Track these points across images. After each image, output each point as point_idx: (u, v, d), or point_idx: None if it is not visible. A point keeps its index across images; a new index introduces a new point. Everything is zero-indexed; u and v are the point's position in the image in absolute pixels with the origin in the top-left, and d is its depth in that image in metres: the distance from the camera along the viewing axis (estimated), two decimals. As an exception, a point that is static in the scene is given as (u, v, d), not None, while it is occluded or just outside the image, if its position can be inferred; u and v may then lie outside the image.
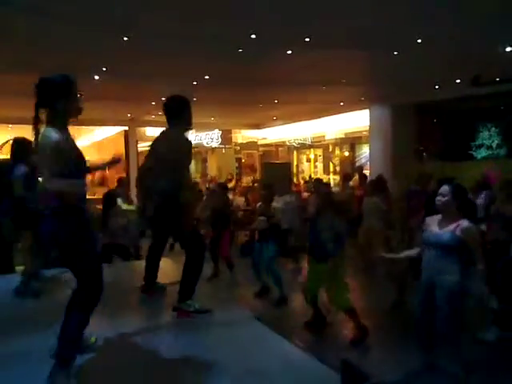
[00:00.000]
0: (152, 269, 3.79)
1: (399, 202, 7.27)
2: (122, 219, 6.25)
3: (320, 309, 4.86)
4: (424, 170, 9.94)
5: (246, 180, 17.71)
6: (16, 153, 4.05)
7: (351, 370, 1.87)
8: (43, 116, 2.39)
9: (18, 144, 4.07)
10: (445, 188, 3.41)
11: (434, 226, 3.43)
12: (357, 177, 11.94)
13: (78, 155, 2.45)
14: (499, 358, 3.91)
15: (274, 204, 6.50)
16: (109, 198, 6.49)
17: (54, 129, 2.34)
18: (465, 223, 3.29)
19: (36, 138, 2.36)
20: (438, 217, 3.45)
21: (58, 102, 2.37)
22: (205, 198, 8.73)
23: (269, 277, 5.95)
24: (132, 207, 7.08)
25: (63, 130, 2.40)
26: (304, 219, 5.89)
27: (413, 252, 3.67)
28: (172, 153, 3.22)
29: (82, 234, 2.37)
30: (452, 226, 3.31)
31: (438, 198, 3.40)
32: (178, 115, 3.39)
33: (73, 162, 2.35)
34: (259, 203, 6.48)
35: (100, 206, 8.12)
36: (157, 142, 3.51)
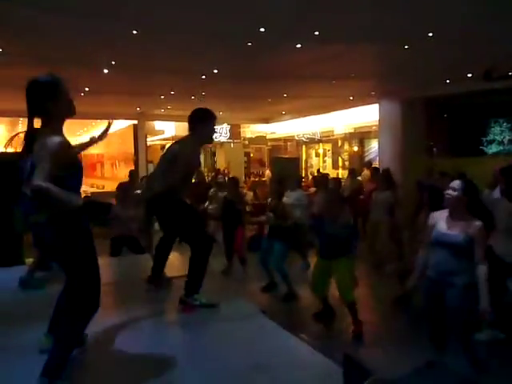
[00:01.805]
0: (160, 260, 3.82)
1: (409, 196, 7.25)
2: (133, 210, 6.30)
3: (328, 300, 4.87)
4: (434, 165, 9.86)
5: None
6: (29, 145, 4.04)
7: (354, 365, 1.87)
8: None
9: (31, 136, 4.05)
10: (456, 183, 3.30)
11: (441, 223, 3.31)
12: (365, 171, 11.90)
13: (72, 158, 2.38)
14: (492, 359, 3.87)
15: (285, 199, 6.47)
16: (122, 190, 6.52)
17: (51, 131, 2.28)
18: (478, 223, 3.19)
19: (28, 144, 2.30)
20: (445, 212, 3.34)
21: (49, 105, 2.30)
22: (212, 190, 8.74)
23: (277, 273, 5.95)
24: None
25: (59, 131, 2.34)
26: (311, 215, 5.86)
27: (423, 257, 3.47)
28: (170, 156, 3.42)
29: (78, 242, 2.27)
30: (463, 226, 3.20)
31: (448, 191, 3.28)
32: (194, 126, 3.49)
33: (70, 167, 2.28)
34: (269, 199, 6.44)
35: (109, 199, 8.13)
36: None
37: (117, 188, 6.60)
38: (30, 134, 2.31)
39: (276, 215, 5.91)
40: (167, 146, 3.81)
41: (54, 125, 2.32)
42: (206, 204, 8.40)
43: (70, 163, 2.29)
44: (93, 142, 3.10)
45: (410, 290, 3.64)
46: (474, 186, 3.40)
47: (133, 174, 8.30)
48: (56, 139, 2.23)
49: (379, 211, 6.83)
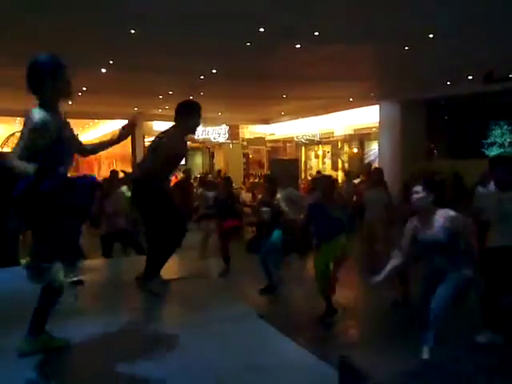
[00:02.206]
0: (153, 258, 3.75)
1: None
2: (122, 204, 6.29)
3: (331, 301, 4.84)
4: (433, 167, 9.83)
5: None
6: None
7: (349, 369, 1.83)
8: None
9: None
10: (417, 186, 3.45)
11: (421, 225, 3.42)
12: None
13: (66, 138, 2.39)
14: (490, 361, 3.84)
15: (277, 196, 6.44)
16: (107, 184, 6.52)
17: (41, 109, 2.31)
18: (450, 213, 3.31)
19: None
20: (415, 218, 3.46)
21: (45, 82, 2.33)
22: (201, 190, 8.73)
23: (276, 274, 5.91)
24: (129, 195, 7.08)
25: (53, 111, 2.37)
26: (308, 206, 5.82)
27: (395, 262, 3.56)
28: (154, 145, 3.53)
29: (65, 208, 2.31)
30: (440, 222, 3.31)
31: (413, 196, 3.42)
32: (179, 118, 3.59)
33: (54, 145, 2.29)
34: (260, 195, 6.49)
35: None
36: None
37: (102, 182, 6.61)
38: None
39: (272, 210, 5.94)
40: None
41: (49, 104, 2.36)
42: (196, 203, 8.42)
43: (52, 140, 2.30)
44: (113, 142, 2.86)
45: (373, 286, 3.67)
46: (435, 181, 3.58)
47: (113, 174, 8.35)
48: (36, 116, 2.26)
49: (372, 209, 6.79)
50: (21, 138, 2.26)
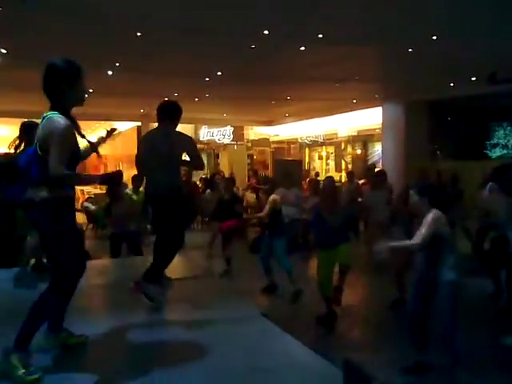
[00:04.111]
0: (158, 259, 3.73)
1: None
2: (126, 206, 6.36)
3: (332, 305, 4.87)
4: (436, 168, 9.83)
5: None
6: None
7: (354, 369, 1.86)
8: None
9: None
10: (410, 192, 3.54)
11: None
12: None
13: (75, 143, 2.42)
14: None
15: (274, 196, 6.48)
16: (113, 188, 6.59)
17: (59, 114, 2.29)
18: (429, 214, 3.32)
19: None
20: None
21: (61, 88, 2.32)
22: (207, 192, 8.83)
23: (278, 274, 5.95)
24: (139, 198, 7.16)
25: (66, 116, 2.34)
26: (312, 208, 5.84)
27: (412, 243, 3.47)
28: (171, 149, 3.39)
29: (66, 224, 2.35)
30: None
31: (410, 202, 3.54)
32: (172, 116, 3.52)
33: (71, 151, 2.32)
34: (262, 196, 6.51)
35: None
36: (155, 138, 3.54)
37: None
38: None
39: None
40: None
41: (62, 108, 2.33)
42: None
43: (73, 148, 2.34)
44: (93, 148, 2.81)
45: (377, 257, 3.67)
46: (427, 185, 3.69)
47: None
48: (62, 123, 2.25)
49: (378, 212, 6.81)
50: (46, 144, 2.22)
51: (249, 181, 14.39)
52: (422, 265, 3.51)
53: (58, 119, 2.26)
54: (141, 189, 7.55)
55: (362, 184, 10.17)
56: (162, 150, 3.32)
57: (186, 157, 3.57)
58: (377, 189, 7.05)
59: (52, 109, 2.33)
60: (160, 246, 3.43)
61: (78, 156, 2.44)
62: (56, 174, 2.19)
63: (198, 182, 12.41)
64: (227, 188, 7.46)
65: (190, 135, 3.62)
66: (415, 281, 3.58)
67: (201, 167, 3.66)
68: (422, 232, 3.29)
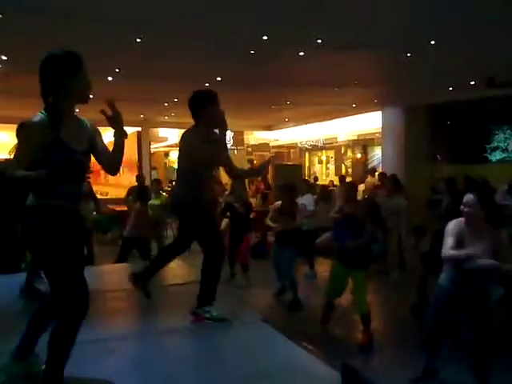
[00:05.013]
0: (158, 263, 3.60)
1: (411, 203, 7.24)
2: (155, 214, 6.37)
3: (330, 313, 4.82)
4: (436, 172, 9.85)
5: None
6: None
7: (352, 375, 1.86)
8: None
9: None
10: (469, 197, 3.16)
11: (465, 234, 3.19)
12: (369, 178, 11.87)
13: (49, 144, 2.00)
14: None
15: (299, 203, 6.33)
16: (141, 193, 6.57)
17: (43, 112, 2.02)
18: (502, 235, 3.15)
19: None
20: (464, 223, 3.22)
21: (65, 81, 2.03)
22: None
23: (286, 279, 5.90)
24: (159, 202, 7.17)
25: (66, 114, 2.07)
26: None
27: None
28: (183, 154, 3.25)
29: (59, 237, 2.02)
30: (487, 239, 3.11)
31: (464, 208, 3.17)
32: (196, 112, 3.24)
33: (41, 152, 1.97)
34: (279, 202, 5.97)
35: (112, 206, 8.17)
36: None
37: (127, 193, 6.65)
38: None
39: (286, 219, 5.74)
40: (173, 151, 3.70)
41: (53, 107, 2.02)
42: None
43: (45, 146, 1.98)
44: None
45: None
46: (488, 196, 3.33)
47: (141, 177, 8.34)
48: (33, 119, 1.99)
49: (393, 218, 6.76)
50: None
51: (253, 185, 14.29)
52: (452, 276, 3.27)
53: (34, 117, 2.00)
54: (163, 196, 7.59)
55: (375, 187, 10.09)
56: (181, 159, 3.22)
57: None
58: (392, 195, 7.03)
59: (47, 107, 2.04)
60: (205, 266, 3.23)
61: (55, 159, 1.96)
62: (7, 175, 1.90)
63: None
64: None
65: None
66: (440, 290, 3.40)
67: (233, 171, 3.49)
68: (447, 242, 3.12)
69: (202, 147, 3.11)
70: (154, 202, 6.96)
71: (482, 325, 3.20)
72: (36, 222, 2.03)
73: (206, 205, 3.35)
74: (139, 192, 6.52)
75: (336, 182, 14.16)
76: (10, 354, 2.22)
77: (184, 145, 3.26)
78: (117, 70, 8.57)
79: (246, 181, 15.04)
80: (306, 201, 7.11)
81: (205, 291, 3.23)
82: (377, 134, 14.06)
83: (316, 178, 15.83)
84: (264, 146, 20.72)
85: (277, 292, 6.05)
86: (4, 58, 7.59)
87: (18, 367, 2.21)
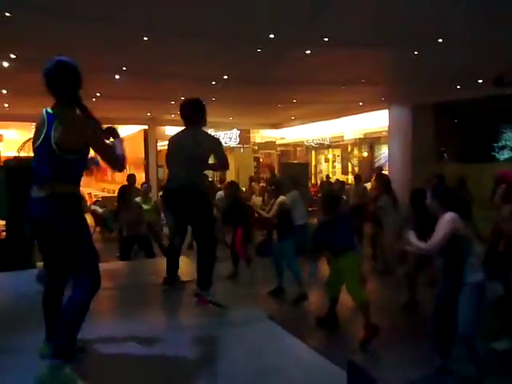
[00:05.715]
0: (173, 262, 3.85)
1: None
2: (136, 214, 6.41)
3: (335, 308, 4.86)
4: (443, 171, 9.79)
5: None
6: None
7: (358, 372, 1.87)
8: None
9: None
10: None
11: None
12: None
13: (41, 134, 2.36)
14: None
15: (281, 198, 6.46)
16: (123, 193, 6.64)
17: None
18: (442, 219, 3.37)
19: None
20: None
21: (79, 93, 2.36)
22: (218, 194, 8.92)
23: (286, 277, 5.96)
24: (149, 207, 7.24)
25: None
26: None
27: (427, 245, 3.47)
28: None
29: (79, 221, 2.31)
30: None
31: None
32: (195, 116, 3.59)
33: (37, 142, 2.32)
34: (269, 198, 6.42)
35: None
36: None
37: (119, 191, 6.72)
38: None
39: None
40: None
41: (67, 106, 2.35)
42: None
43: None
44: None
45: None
46: (450, 193, 3.65)
47: (132, 178, 8.41)
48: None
49: (385, 217, 6.91)
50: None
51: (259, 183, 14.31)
52: (443, 270, 3.47)
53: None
54: (153, 200, 7.68)
55: (370, 189, 10.14)
56: (188, 149, 3.41)
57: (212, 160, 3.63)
58: (383, 195, 7.13)
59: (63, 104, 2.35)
60: (200, 251, 3.47)
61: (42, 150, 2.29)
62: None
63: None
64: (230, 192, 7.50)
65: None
66: (440, 289, 3.54)
67: (226, 166, 3.70)
68: (437, 235, 3.27)
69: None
70: (144, 206, 7.03)
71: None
72: (60, 208, 2.24)
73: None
74: (120, 192, 6.61)
75: (341, 179, 14.12)
76: (43, 341, 2.42)
77: (205, 140, 3.54)
78: (124, 69, 8.61)
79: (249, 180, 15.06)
80: (289, 198, 7.17)
81: (203, 275, 3.43)
82: (383, 133, 14.01)
83: (328, 176, 15.74)
84: (270, 145, 20.72)
85: (272, 291, 6.05)
86: (13, 56, 7.65)
87: (55, 380, 2.28)
